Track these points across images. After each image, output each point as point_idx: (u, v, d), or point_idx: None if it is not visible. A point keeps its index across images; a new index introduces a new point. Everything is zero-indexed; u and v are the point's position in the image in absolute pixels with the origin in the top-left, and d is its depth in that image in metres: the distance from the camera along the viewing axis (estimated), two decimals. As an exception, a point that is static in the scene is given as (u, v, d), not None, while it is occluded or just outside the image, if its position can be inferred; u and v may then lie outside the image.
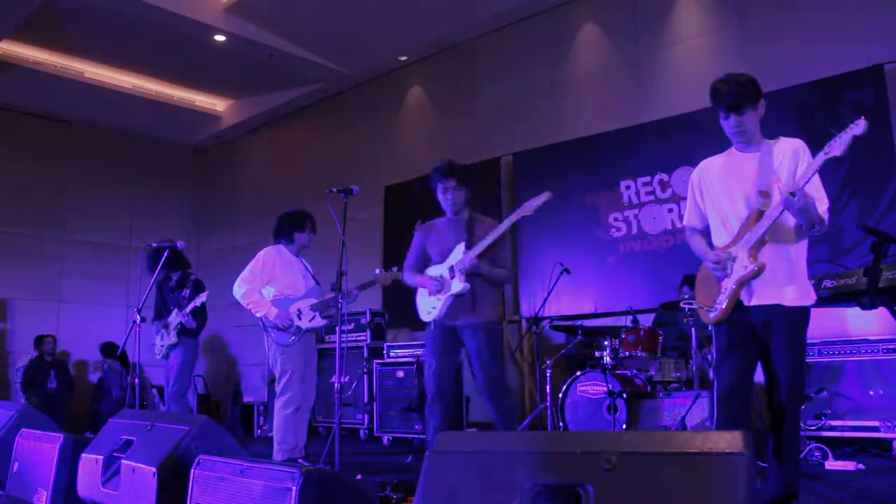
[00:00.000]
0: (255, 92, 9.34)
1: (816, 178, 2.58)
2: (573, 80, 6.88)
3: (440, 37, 7.67)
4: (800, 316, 2.61)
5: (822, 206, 2.61)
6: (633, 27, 6.51)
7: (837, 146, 2.41)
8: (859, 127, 2.36)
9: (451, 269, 3.73)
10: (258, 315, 4.47)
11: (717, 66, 5.98)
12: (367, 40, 7.70)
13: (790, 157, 2.67)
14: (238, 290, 4.50)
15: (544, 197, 3.61)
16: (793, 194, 2.43)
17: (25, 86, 8.44)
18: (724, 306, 2.67)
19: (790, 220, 2.61)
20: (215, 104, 9.92)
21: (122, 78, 8.86)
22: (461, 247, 3.73)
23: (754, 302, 2.63)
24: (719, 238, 2.82)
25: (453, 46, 7.81)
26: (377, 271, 4.68)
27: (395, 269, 4.74)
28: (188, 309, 5.12)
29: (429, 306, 3.80)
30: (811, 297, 2.64)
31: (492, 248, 3.68)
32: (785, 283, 2.60)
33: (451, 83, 7.87)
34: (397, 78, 8.42)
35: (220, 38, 7.56)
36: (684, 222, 3.03)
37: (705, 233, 2.94)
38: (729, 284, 2.67)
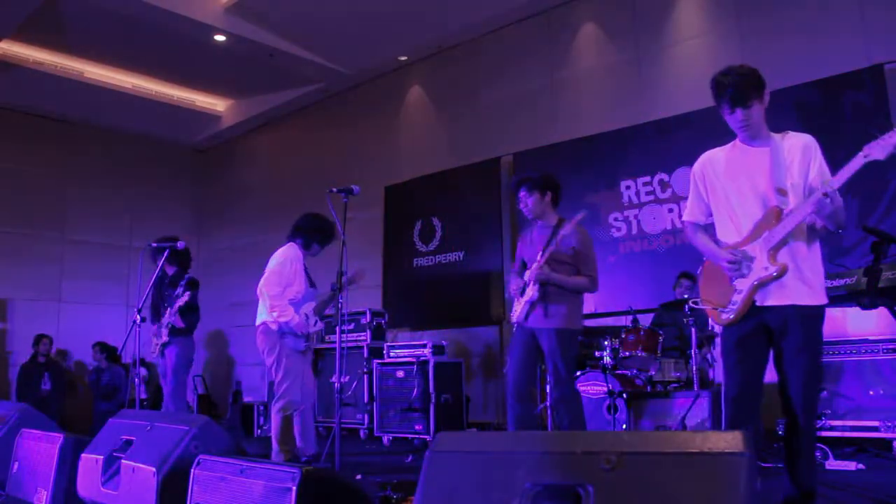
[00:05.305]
0: (255, 92, 9.34)
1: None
2: (573, 80, 6.88)
3: (440, 37, 7.67)
4: (815, 315, 2.52)
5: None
6: (633, 27, 6.50)
7: (880, 150, 2.31)
8: None
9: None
10: (282, 320, 4.21)
11: (716, 67, 5.99)
12: (367, 40, 7.70)
13: (800, 153, 2.55)
14: (270, 291, 4.25)
15: (580, 216, 3.79)
16: (826, 195, 2.34)
17: (26, 86, 8.44)
18: (739, 307, 2.57)
19: (807, 219, 2.49)
20: (215, 104, 9.92)
21: (122, 78, 8.86)
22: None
23: (769, 302, 2.53)
24: (727, 235, 2.68)
25: (453, 46, 7.81)
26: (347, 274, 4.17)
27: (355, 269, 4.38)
28: (175, 307, 5.14)
29: (514, 308, 3.97)
30: (824, 298, 2.56)
31: (573, 256, 3.81)
32: (800, 283, 2.51)
33: (451, 83, 7.87)
34: (397, 78, 8.42)
35: (220, 38, 7.56)
36: (685, 217, 2.87)
37: (707, 228, 2.83)
38: (746, 285, 2.56)
